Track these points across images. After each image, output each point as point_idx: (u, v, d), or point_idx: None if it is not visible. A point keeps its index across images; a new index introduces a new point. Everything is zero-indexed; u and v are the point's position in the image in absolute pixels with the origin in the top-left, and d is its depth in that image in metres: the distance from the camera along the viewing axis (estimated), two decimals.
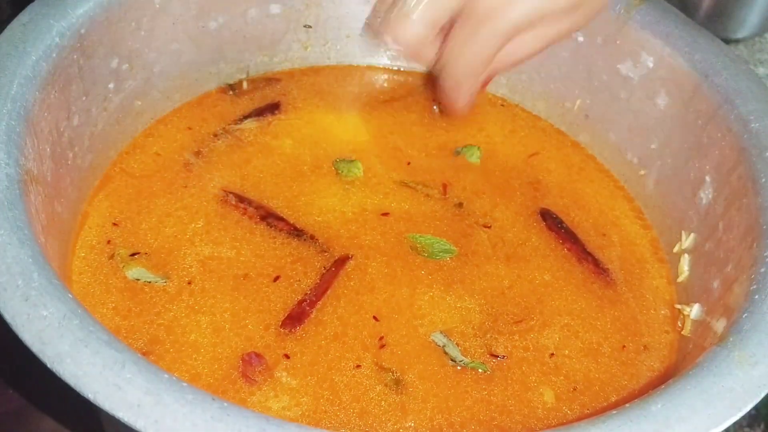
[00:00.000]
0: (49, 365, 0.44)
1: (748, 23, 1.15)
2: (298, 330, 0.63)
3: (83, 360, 0.43)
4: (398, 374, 0.62)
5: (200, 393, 0.43)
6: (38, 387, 0.73)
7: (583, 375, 0.64)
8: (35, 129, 0.60)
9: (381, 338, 0.63)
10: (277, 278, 0.66)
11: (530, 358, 0.65)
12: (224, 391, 0.58)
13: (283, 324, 0.63)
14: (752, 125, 0.67)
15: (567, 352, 0.66)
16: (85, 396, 0.43)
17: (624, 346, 0.67)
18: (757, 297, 0.56)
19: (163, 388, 0.43)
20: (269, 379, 0.60)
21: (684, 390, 0.48)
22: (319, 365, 0.61)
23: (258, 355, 0.61)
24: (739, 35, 1.17)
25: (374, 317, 0.65)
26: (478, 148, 0.82)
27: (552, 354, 0.65)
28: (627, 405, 0.47)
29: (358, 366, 0.62)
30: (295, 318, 0.64)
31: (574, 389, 0.63)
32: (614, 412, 0.46)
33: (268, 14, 0.85)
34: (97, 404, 0.42)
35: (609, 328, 0.68)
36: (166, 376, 0.44)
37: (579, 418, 0.61)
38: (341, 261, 0.69)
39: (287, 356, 0.61)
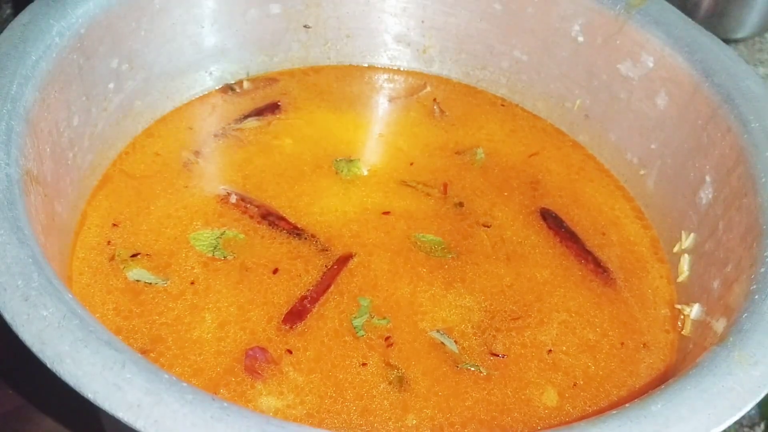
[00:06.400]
0: (49, 365, 0.44)
1: (748, 23, 1.15)
2: (298, 326, 0.63)
3: (83, 360, 0.43)
4: (403, 371, 0.62)
5: (200, 393, 0.43)
6: (38, 387, 0.73)
7: (582, 371, 0.64)
8: (35, 129, 0.60)
9: (388, 338, 0.64)
10: (275, 271, 0.66)
11: (528, 354, 0.65)
12: (227, 385, 0.59)
13: (285, 320, 0.63)
14: (752, 125, 0.67)
15: (565, 348, 0.66)
16: (85, 396, 0.43)
17: (623, 343, 0.67)
18: (757, 297, 0.56)
19: (163, 388, 0.43)
20: (277, 374, 0.60)
21: (684, 390, 0.48)
22: (324, 362, 0.61)
23: (263, 350, 0.61)
24: (739, 35, 1.17)
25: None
26: (480, 148, 0.83)
27: (550, 350, 0.65)
28: (627, 405, 0.47)
29: (364, 364, 0.62)
30: (296, 314, 0.64)
31: (575, 385, 0.63)
32: (614, 412, 0.46)
33: (268, 14, 0.85)
34: (97, 404, 0.42)
35: (607, 325, 0.68)
36: (166, 376, 0.44)
37: (581, 416, 0.61)
38: (344, 259, 0.69)
39: (290, 351, 0.61)
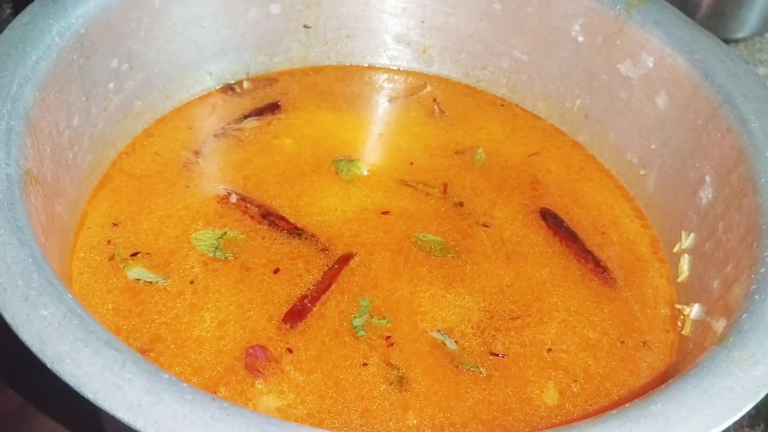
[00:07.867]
0: (49, 365, 0.44)
1: (748, 23, 1.15)
2: (299, 325, 0.63)
3: (83, 360, 0.43)
4: (403, 371, 0.62)
5: (200, 393, 0.43)
6: (38, 387, 0.73)
7: (582, 369, 0.64)
8: (35, 129, 0.60)
9: (388, 338, 0.64)
10: (276, 270, 0.66)
11: (528, 353, 0.65)
12: (227, 383, 0.59)
13: (285, 319, 0.63)
14: (752, 125, 0.67)
15: (564, 347, 0.66)
16: (85, 396, 0.43)
17: (623, 342, 0.67)
18: (757, 297, 0.56)
19: (163, 388, 0.43)
20: (278, 373, 0.60)
21: (684, 390, 0.48)
22: (324, 362, 0.61)
23: (263, 348, 0.61)
24: (739, 35, 1.17)
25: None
26: (480, 148, 0.83)
27: (549, 349, 0.65)
28: (627, 405, 0.47)
29: (365, 364, 0.62)
30: (296, 314, 0.64)
31: (575, 383, 0.63)
32: (614, 411, 0.46)
33: (268, 14, 0.85)
34: (97, 404, 0.42)
35: (607, 323, 0.68)
36: (166, 376, 0.44)
37: (582, 415, 0.61)
38: (345, 259, 0.69)
39: (290, 350, 0.61)
